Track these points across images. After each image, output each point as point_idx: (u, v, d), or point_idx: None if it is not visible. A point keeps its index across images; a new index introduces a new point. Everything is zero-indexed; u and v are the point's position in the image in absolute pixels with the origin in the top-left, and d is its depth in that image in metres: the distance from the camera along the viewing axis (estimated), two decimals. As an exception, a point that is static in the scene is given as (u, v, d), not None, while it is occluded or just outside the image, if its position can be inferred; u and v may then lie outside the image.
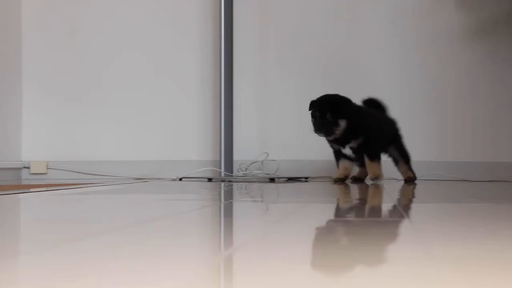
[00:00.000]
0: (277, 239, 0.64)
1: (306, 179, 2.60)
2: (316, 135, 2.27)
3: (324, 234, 0.69)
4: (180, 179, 2.61)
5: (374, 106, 2.40)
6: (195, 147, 2.86)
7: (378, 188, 1.84)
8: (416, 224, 0.79)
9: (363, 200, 1.30)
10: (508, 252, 0.55)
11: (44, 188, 1.72)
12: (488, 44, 2.69)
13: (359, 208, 1.10)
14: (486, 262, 0.49)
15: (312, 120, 2.24)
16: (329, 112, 2.21)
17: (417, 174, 2.59)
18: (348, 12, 2.79)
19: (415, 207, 1.12)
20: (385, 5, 2.76)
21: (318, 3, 2.81)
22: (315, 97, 2.86)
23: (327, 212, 1.02)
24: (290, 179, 2.53)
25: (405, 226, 0.77)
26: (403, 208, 1.09)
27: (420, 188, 1.91)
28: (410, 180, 2.40)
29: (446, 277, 0.43)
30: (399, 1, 2.75)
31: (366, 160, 2.28)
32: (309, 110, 2.26)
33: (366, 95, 2.84)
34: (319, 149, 2.80)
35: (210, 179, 2.54)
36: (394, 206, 1.12)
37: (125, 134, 2.89)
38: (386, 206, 1.14)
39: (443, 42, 2.73)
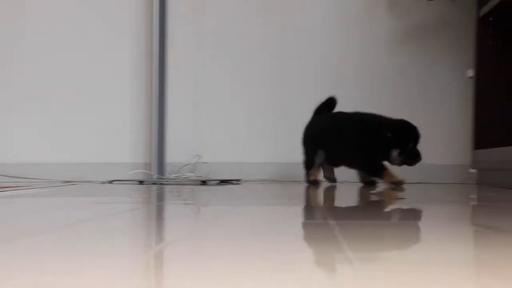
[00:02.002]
0: (206, 238, 0.63)
1: (238, 181, 2.59)
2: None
3: (250, 234, 0.68)
4: (111, 182, 2.56)
5: (331, 106, 2.37)
6: (126, 150, 2.81)
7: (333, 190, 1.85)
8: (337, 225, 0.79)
9: (299, 202, 1.30)
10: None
11: (-34, 191, 1.65)
12: (419, 48, 2.75)
13: (290, 210, 1.10)
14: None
15: (396, 153, 2.11)
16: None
17: (347, 176, 2.62)
18: (283, 16, 2.80)
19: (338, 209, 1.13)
20: (319, 11, 2.78)
21: (254, 5, 2.81)
22: (249, 100, 2.87)
23: (256, 214, 1.01)
24: (222, 182, 2.52)
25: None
26: (326, 210, 1.09)
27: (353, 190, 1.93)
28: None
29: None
30: (332, 6, 2.78)
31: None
32: (406, 142, 2.10)
33: (300, 98, 2.85)
34: (251, 152, 2.80)
35: (141, 182, 2.49)
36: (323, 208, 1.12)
37: (53, 136, 2.81)
38: (316, 209, 1.14)
39: (376, 46, 2.77)
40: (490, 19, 2.24)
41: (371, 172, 2.18)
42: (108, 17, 2.84)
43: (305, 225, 0.80)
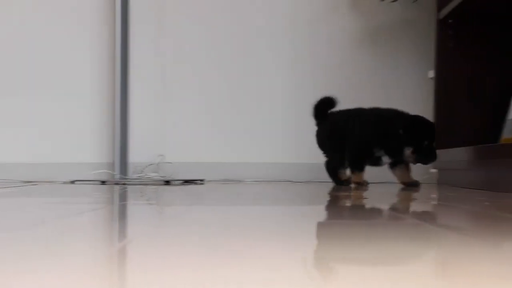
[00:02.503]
0: (168, 236, 0.63)
1: (201, 181, 2.58)
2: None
3: (210, 233, 0.68)
4: (73, 182, 2.53)
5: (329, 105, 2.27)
6: (88, 149, 2.78)
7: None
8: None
9: (258, 200, 1.30)
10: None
11: None
12: (381, 49, 2.78)
13: (249, 209, 1.10)
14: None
15: (410, 151, 2.00)
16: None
17: (312, 177, 2.63)
18: (247, 16, 2.80)
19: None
20: (280, 12, 2.79)
21: (218, 5, 2.81)
22: (212, 100, 2.86)
23: (218, 213, 1.01)
24: (186, 182, 2.51)
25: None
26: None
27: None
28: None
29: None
30: (294, 7, 2.79)
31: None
32: (420, 140, 2.00)
33: (264, 97, 2.86)
34: (215, 151, 2.80)
35: (103, 182, 2.47)
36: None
37: (13, 135, 2.77)
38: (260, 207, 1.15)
39: (338, 47, 2.79)
40: (450, 21, 2.28)
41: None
42: (69, 14, 2.81)
43: (263, 223, 0.80)
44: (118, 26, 2.64)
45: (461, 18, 2.26)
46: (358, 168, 2.10)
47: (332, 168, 2.22)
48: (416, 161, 2.02)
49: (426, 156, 1.99)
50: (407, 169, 2.12)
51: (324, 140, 2.26)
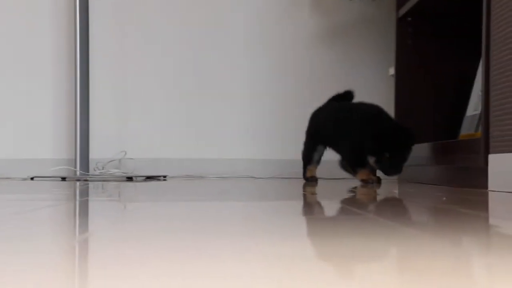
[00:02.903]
0: (129, 230, 0.63)
1: (164, 177, 2.58)
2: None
3: (172, 228, 0.69)
4: (32, 179, 2.50)
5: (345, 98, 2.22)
6: (48, 145, 2.75)
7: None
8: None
9: (212, 197, 1.30)
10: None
11: None
12: (342, 47, 2.81)
13: (206, 205, 1.11)
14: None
15: (372, 160, 1.92)
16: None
17: (273, 173, 2.65)
18: (206, 12, 2.80)
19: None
20: (241, 9, 2.79)
21: (178, 5, 2.80)
22: (174, 95, 2.85)
23: (179, 209, 1.01)
24: (148, 178, 2.50)
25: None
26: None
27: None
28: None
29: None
30: (255, 4, 2.80)
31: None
32: (379, 151, 1.91)
33: (224, 93, 2.87)
34: (178, 147, 2.79)
35: (64, 179, 2.45)
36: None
37: (-29, 131, 2.72)
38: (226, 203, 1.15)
39: (299, 45, 2.80)
40: (409, 19, 2.31)
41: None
42: (28, 7, 2.77)
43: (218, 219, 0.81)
44: (78, 17, 2.60)
45: (419, 16, 2.29)
46: (359, 165, 2.00)
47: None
48: (382, 170, 1.95)
49: (386, 169, 1.92)
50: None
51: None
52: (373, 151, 1.91)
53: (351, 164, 2.05)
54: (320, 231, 0.66)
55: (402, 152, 1.91)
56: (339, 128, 2.08)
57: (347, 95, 2.22)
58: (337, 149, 2.13)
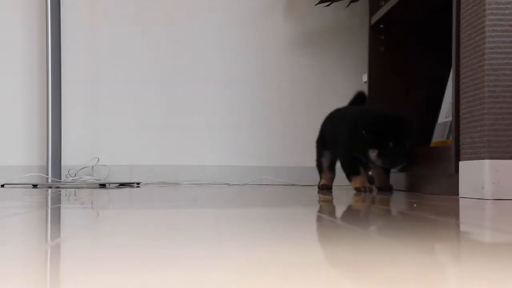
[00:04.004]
0: (102, 236, 0.63)
1: (138, 184, 2.56)
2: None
3: (144, 236, 0.69)
4: (2, 186, 2.47)
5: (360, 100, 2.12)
6: (20, 152, 2.72)
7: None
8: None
9: (193, 203, 1.30)
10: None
11: None
12: (317, 53, 2.82)
13: (185, 211, 1.11)
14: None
15: (374, 153, 1.79)
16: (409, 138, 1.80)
17: (249, 179, 2.65)
18: (176, 19, 2.80)
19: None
20: (214, 15, 2.80)
21: (148, 8, 2.79)
22: (147, 102, 2.84)
23: (151, 216, 1.01)
24: (122, 185, 2.49)
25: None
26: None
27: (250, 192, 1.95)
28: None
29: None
30: (228, 9, 2.80)
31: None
32: (383, 141, 1.78)
33: (196, 99, 2.86)
34: (151, 153, 2.78)
35: (35, 186, 2.42)
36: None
37: None
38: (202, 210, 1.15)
39: (273, 51, 2.81)
40: (381, 26, 2.33)
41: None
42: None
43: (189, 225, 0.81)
44: (49, 23, 2.58)
45: (392, 23, 2.31)
46: (352, 172, 1.89)
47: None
48: (383, 165, 1.84)
49: (389, 160, 1.80)
50: (384, 171, 1.97)
51: None
52: (374, 143, 1.78)
53: (345, 171, 1.93)
54: (289, 236, 0.66)
55: (403, 139, 1.80)
56: (335, 133, 2.01)
57: (359, 97, 2.12)
58: (336, 155, 2.05)
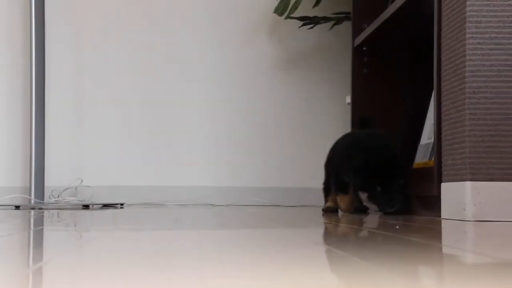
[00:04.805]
0: (85, 259, 0.63)
1: (121, 205, 2.55)
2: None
3: (126, 259, 0.69)
4: (-15, 207, 2.45)
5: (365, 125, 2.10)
6: (2, 173, 2.70)
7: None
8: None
9: (173, 225, 1.30)
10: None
11: None
12: (300, 75, 2.84)
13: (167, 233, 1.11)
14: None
15: (364, 195, 1.75)
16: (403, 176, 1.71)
17: (233, 200, 2.65)
18: (161, 38, 2.81)
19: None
20: (197, 36, 2.81)
21: (135, 26, 2.80)
22: (134, 123, 2.84)
23: (133, 238, 1.01)
24: (105, 206, 2.48)
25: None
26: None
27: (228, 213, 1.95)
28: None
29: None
30: (212, 32, 2.82)
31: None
32: (365, 184, 1.73)
33: (182, 121, 2.87)
34: (135, 175, 2.77)
35: (18, 207, 2.41)
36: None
37: None
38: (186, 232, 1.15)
39: (257, 72, 2.83)
40: (364, 48, 2.35)
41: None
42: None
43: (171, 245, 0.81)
44: (34, 43, 2.58)
45: (375, 46, 2.34)
46: (338, 190, 1.85)
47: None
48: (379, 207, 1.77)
49: (381, 205, 1.74)
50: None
51: None
52: (363, 186, 1.74)
53: (333, 188, 1.90)
54: (271, 258, 0.66)
55: (394, 183, 1.72)
56: (334, 155, 2.01)
57: (363, 123, 2.11)
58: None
